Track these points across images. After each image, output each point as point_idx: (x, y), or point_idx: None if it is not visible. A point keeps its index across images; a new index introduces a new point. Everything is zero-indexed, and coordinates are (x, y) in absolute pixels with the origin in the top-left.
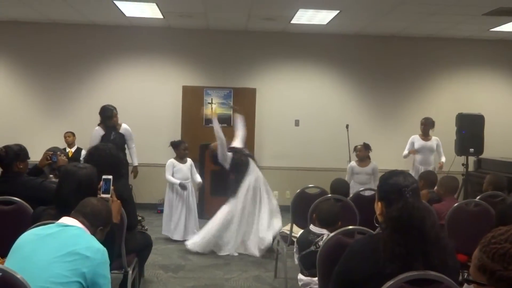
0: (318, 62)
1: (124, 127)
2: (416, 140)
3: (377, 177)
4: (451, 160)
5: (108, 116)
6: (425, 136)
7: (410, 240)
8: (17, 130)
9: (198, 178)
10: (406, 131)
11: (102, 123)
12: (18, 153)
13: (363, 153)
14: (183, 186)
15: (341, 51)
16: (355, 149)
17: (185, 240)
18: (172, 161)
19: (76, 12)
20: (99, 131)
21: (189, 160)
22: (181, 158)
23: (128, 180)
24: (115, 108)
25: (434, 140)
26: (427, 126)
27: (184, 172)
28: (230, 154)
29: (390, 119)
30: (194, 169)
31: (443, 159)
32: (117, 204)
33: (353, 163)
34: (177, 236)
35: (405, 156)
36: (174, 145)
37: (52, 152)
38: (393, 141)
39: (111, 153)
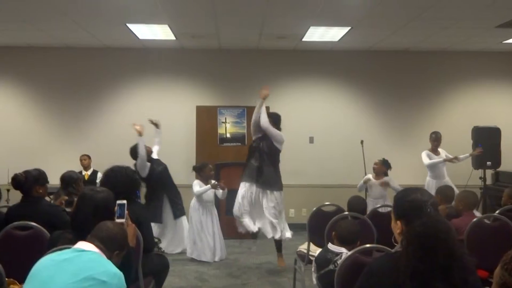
0: (330, 79)
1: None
2: (431, 155)
3: (393, 184)
4: (468, 174)
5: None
6: (436, 151)
7: (435, 256)
8: (33, 154)
9: (220, 193)
10: (421, 146)
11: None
12: (37, 177)
13: (379, 167)
14: (215, 186)
15: (354, 67)
16: (375, 163)
17: (214, 262)
18: (198, 181)
19: (90, 36)
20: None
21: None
22: (206, 180)
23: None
24: None
25: (442, 153)
26: (439, 141)
27: (209, 194)
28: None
29: (404, 134)
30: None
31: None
32: (132, 228)
33: (370, 175)
34: (206, 258)
35: (434, 164)
36: (198, 169)
37: (67, 199)
38: (408, 155)
39: (126, 174)
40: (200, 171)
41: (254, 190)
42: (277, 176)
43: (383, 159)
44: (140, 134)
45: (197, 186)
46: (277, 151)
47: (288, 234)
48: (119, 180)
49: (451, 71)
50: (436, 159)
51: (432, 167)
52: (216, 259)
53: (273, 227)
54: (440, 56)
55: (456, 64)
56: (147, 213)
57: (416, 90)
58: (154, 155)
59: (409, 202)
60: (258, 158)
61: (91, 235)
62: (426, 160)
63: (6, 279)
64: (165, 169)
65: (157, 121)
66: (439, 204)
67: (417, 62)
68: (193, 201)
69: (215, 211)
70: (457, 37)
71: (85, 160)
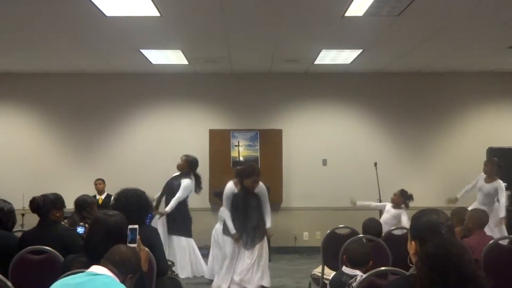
0: (343, 101)
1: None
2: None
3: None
4: None
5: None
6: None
7: (447, 278)
8: (48, 179)
9: None
10: (435, 167)
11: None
12: (55, 201)
13: (397, 198)
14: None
15: (366, 89)
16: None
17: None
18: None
19: (103, 62)
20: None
21: None
22: None
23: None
24: None
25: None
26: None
27: None
28: None
29: (418, 155)
30: None
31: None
32: (145, 253)
33: (389, 204)
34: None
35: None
36: (220, 194)
37: (82, 223)
38: (421, 177)
39: (137, 196)
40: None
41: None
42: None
43: (402, 190)
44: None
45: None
46: None
47: None
48: (130, 203)
49: (464, 92)
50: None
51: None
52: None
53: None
54: (453, 77)
55: (469, 85)
56: (159, 236)
57: (428, 111)
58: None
59: (424, 223)
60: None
61: (105, 259)
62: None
63: None
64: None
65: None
66: (455, 226)
67: (429, 84)
68: (218, 226)
69: None
70: (469, 58)
71: (100, 185)
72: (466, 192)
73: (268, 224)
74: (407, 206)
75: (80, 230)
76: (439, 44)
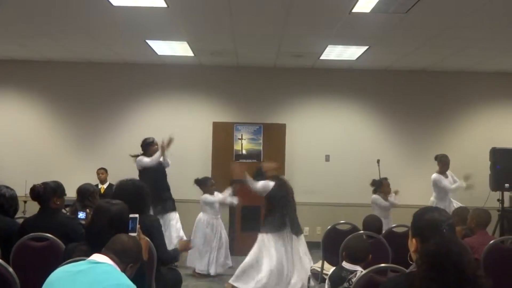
0: (347, 97)
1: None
2: (443, 179)
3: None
4: (486, 196)
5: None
6: (445, 173)
7: (447, 277)
8: (51, 167)
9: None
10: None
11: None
12: (55, 189)
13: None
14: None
15: (371, 86)
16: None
17: (219, 275)
18: (206, 196)
19: (109, 52)
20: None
21: (216, 194)
22: (211, 194)
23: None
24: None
25: (449, 175)
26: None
27: (216, 207)
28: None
29: (421, 154)
30: (223, 196)
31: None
32: (145, 242)
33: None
34: (213, 271)
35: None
36: (200, 182)
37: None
38: (425, 175)
39: (135, 186)
40: (202, 185)
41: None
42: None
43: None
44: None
45: (209, 197)
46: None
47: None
48: (129, 193)
49: (469, 91)
50: (446, 182)
51: (446, 190)
52: (212, 272)
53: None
54: (458, 77)
55: (475, 84)
56: (159, 225)
57: (433, 110)
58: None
59: (426, 221)
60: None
61: (106, 248)
62: (448, 184)
63: None
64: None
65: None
66: (456, 226)
67: (435, 83)
68: (200, 215)
69: (222, 224)
70: (476, 58)
71: (102, 174)
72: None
73: None
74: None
75: (82, 215)
76: (446, 43)
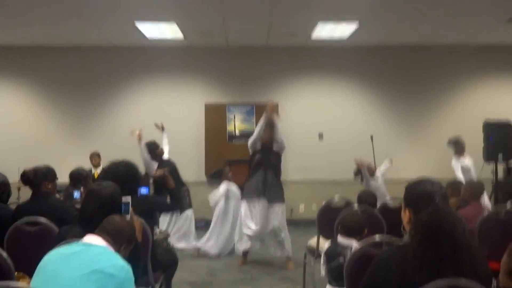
0: (340, 75)
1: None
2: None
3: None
4: (480, 167)
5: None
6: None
7: (440, 246)
8: (43, 153)
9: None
10: (430, 140)
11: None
12: (46, 174)
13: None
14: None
15: (363, 63)
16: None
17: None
18: (233, 188)
19: (98, 35)
20: None
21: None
22: (230, 180)
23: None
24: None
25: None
26: None
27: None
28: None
29: (414, 129)
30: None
31: None
32: (138, 223)
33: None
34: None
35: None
36: (217, 174)
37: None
38: (418, 150)
39: (127, 166)
40: (221, 176)
41: (262, 205)
42: (282, 188)
43: None
44: (139, 139)
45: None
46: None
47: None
48: (119, 175)
49: (461, 65)
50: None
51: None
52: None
53: (281, 244)
54: (450, 51)
55: (467, 58)
56: (148, 199)
57: (425, 85)
58: (165, 155)
59: (419, 192)
60: (264, 171)
61: (99, 229)
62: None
63: (16, 272)
64: (174, 170)
65: (162, 124)
66: (450, 198)
67: (426, 58)
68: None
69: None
70: (467, 32)
71: (95, 159)
72: None
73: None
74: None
75: (77, 194)
76: (436, 17)
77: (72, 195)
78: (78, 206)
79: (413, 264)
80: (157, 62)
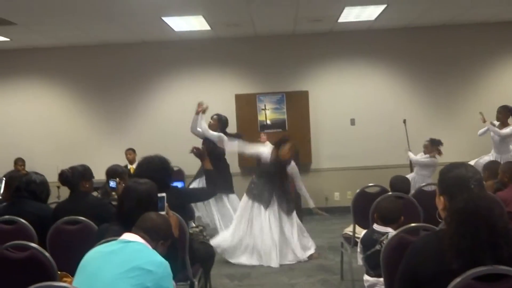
0: (369, 59)
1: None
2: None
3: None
4: None
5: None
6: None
7: (477, 233)
8: (80, 151)
9: None
10: (465, 122)
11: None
12: (83, 173)
13: (429, 149)
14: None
15: (392, 45)
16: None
17: None
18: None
19: (127, 32)
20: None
21: None
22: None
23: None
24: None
25: None
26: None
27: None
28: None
29: (447, 110)
30: None
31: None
32: (174, 219)
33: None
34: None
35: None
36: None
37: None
38: (452, 132)
39: (159, 160)
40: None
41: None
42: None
43: (430, 139)
44: (202, 112)
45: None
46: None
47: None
48: (152, 169)
49: (493, 43)
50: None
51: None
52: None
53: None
54: (482, 28)
55: (500, 35)
56: (182, 191)
57: (457, 65)
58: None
59: (453, 177)
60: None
61: (136, 226)
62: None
63: (59, 272)
64: (218, 154)
65: (205, 107)
66: (487, 180)
67: (457, 36)
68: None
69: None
70: (498, 7)
71: (130, 155)
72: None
73: (311, 203)
74: (439, 153)
75: (112, 184)
76: None
77: (108, 193)
78: (114, 202)
79: (449, 252)
80: (186, 55)
